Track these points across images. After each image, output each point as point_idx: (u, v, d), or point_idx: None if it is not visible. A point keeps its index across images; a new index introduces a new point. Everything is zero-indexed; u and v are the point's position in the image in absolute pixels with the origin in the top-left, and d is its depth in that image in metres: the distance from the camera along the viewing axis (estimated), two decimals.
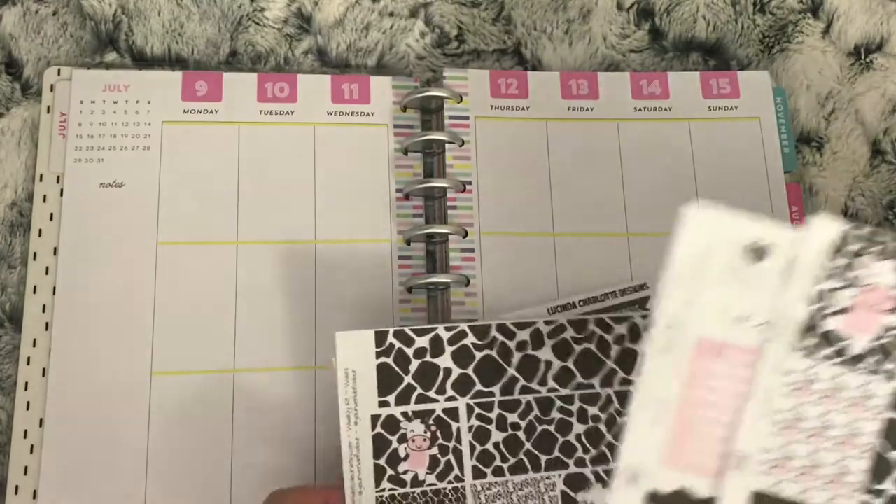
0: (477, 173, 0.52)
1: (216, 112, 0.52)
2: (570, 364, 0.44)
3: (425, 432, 0.43)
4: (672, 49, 0.57)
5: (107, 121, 0.51)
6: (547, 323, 0.45)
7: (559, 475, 0.44)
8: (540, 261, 0.51)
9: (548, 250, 0.51)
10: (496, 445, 0.43)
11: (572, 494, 0.44)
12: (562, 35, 0.57)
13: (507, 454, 0.43)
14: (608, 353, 0.45)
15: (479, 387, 0.44)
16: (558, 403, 0.44)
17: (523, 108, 0.54)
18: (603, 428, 0.44)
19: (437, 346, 0.43)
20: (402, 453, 0.42)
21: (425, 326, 0.43)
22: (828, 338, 0.36)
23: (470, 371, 0.43)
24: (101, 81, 0.52)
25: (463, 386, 0.43)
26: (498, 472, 0.43)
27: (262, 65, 0.55)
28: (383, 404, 0.42)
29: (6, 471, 0.46)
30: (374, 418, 0.42)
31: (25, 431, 0.46)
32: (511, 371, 0.44)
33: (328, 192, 0.51)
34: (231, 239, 0.50)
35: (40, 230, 0.49)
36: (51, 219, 0.50)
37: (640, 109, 0.55)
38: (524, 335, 0.44)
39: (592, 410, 0.44)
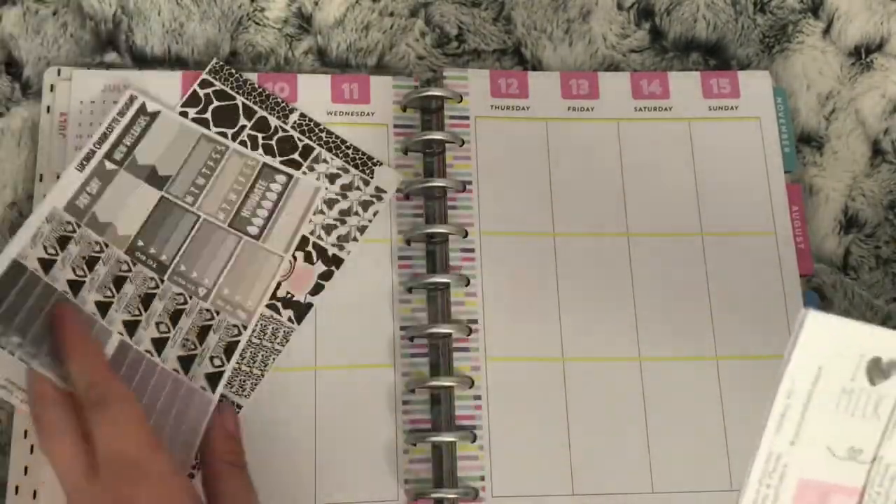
0: (477, 173, 0.52)
1: None
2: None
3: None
4: (672, 49, 0.57)
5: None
6: None
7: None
8: (540, 261, 0.51)
9: (548, 250, 0.51)
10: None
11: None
12: (562, 35, 0.57)
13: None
14: None
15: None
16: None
17: (523, 108, 0.54)
18: None
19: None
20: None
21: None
22: None
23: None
24: (101, 81, 0.52)
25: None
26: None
27: (262, 65, 0.55)
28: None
29: (6, 471, 0.46)
30: None
31: (25, 432, 0.46)
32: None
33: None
34: None
35: None
36: None
37: (640, 109, 0.54)
38: None
39: None
